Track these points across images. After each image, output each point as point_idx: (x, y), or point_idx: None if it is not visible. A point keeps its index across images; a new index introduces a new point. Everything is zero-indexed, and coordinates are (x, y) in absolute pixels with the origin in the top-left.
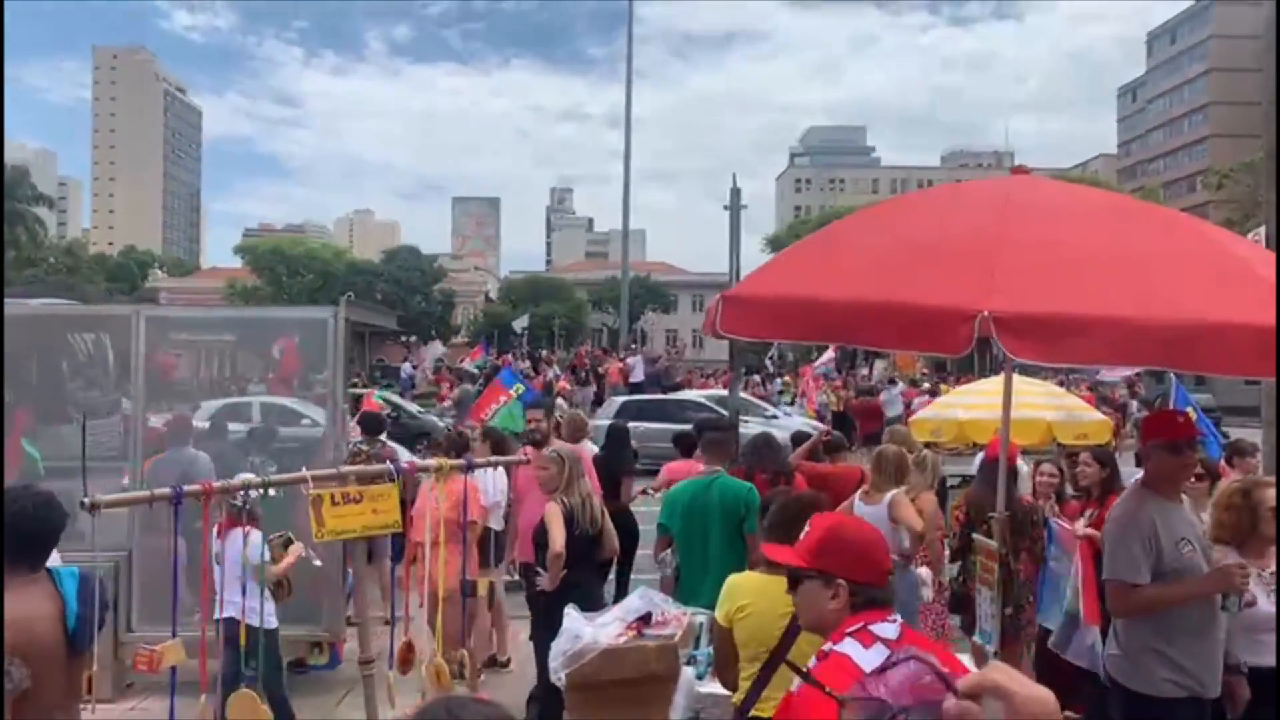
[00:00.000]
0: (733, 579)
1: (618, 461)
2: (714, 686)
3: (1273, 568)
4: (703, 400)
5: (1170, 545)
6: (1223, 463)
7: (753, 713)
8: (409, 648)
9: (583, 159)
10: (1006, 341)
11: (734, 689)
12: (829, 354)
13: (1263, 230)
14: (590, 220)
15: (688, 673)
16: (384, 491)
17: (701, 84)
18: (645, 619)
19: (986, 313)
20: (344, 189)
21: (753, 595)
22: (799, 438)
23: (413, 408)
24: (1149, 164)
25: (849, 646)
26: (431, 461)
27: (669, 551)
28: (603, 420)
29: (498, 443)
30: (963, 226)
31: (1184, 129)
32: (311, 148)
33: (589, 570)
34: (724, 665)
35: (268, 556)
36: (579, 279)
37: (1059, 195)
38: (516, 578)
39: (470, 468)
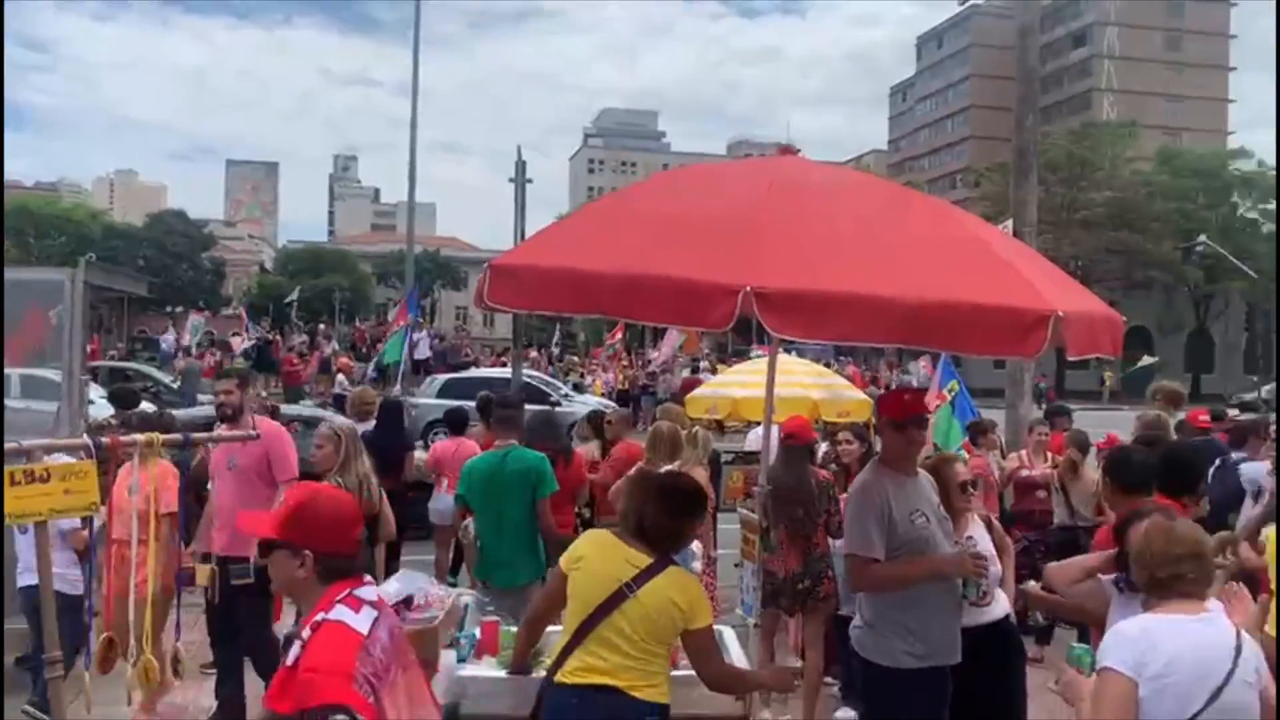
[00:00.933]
0: (591, 531)
1: (394, 439)
2: (478, 669)
3: (967, 533)
4: (529, 379)
5: (903, 518)
6: (966, 440)
7: (558, 678)
8: (110, 644)
9: (370, 127)
10: (768, 318)
11: (521, 652)
12: (617, 333)
13: (1010, 223)
14: (377, 191)
15: (448, 657)
16: (78, 469)
17: (498, 58)
18: (406, 603)
19: (749, 288)
20: (105, 146)
21: (593, 552)
22: (594, 417)
23: (168, 379)
24: (916, 160)
25: (341, 613)
26: (139, 437)
27: (469, 521)
28: (425, 399)
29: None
30: (731, 203)
31: (947, 129)
32: (67, 98)
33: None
34: (533, 615)
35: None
36: (364, 251)
37: (823, 176)
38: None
39: (186, 444)
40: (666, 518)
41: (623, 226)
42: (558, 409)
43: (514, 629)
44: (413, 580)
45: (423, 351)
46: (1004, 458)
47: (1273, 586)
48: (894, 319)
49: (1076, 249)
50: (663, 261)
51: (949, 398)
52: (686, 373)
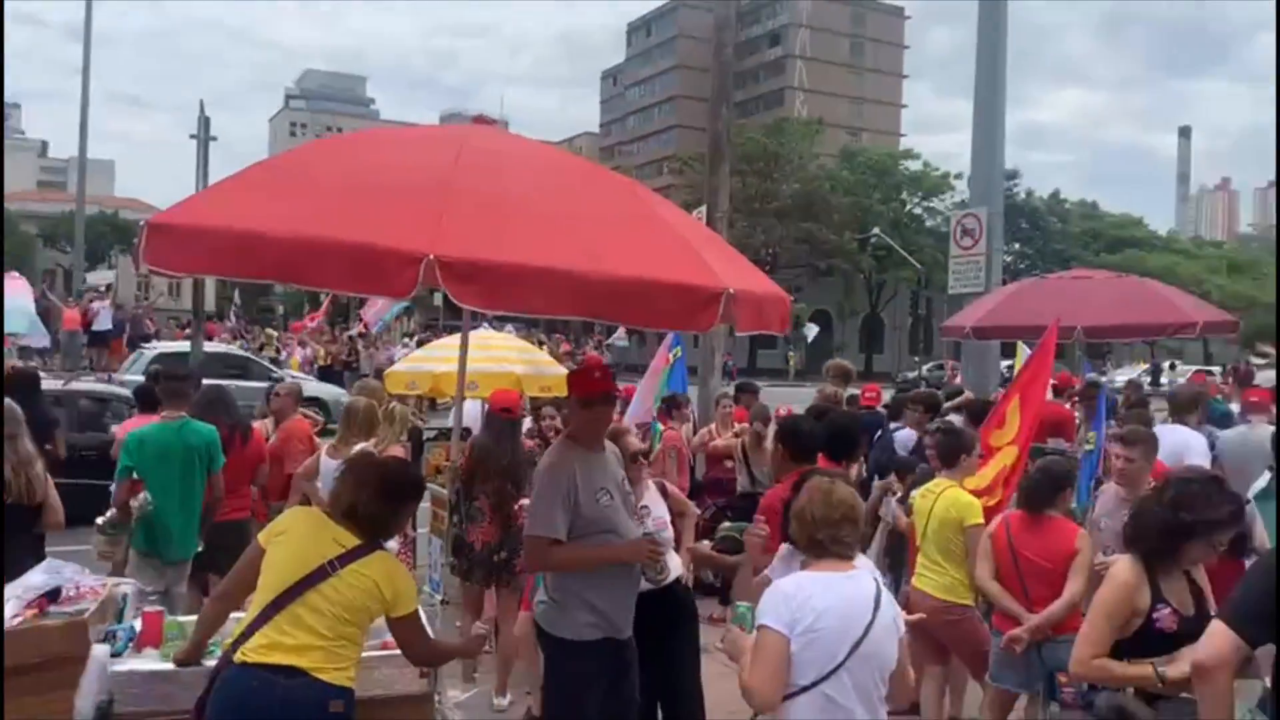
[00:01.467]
0: (298, 507)
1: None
2: (137, 663)
3: (643, 501)
4: (249, 356)
5: (589, 498)
6: (660, 412)
7: (237, 656)
8: None
9: (38, 73)
10: (452, 287)
11: (200, 638)
12: (319, 315)
13: (704, 209)
14: (44, 144)
15: (99, 651)
16: None
17: (186, 6)
18: (53, 595)
19: (432, 256)
20: None
21: (298, 527)
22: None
23: None
24: (626, 145)
25: None
26: None
27: (145, 495)
28: (133, 376)
29: None
30: (417, 169)
31: (655, 117)
32: None
33: (22, 546)
34: (222, 591)
35: None
36: (27, 210)
37: (515, 147)
38: None
39: None
40: (381, 504)
41: (299, 186)
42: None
43: (180, 619)
44: (59, 571)
45: (104, 323)
46: (695, 431)
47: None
48: (577, 292)
49: (768, 237)
50: (340, 225)
51: (671, 360)
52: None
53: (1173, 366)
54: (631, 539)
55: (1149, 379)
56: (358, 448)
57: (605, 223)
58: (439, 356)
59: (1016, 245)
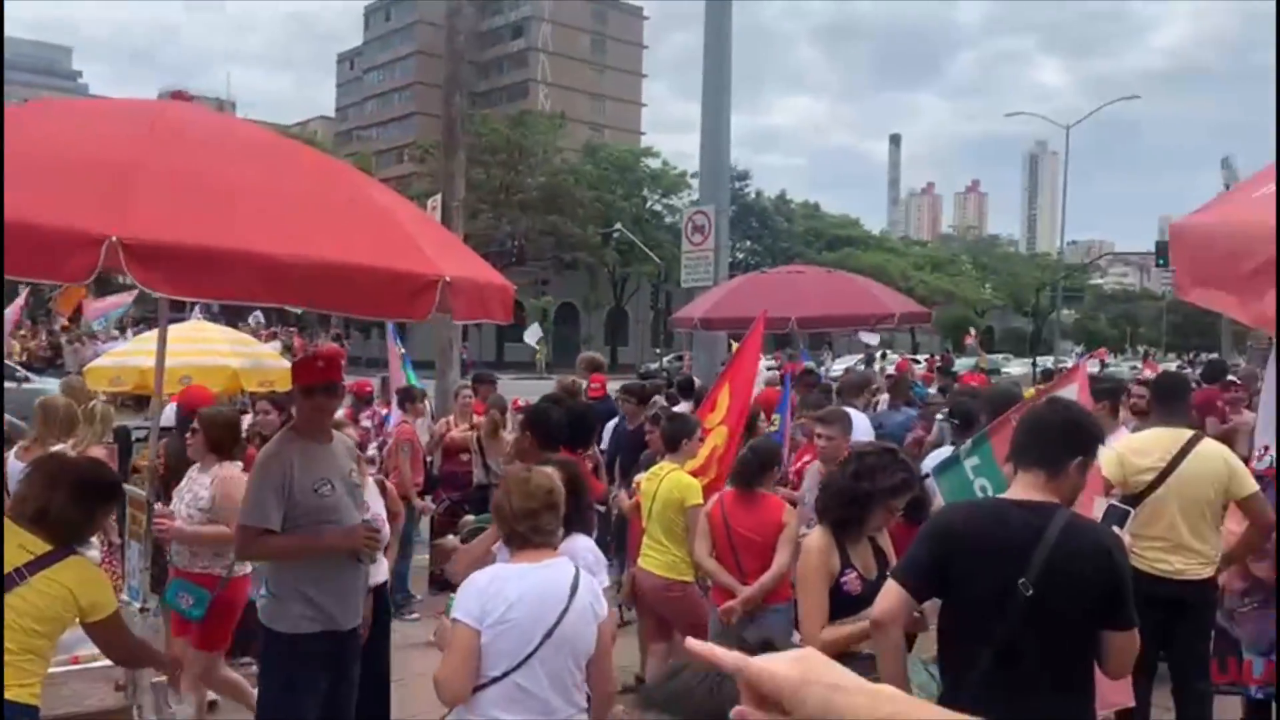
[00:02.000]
0: None
1: None
2: None
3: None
4: None
5: (306, 487)
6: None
7: None
8: None
9: None
10: (137, 271)
11: None
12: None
13: (439, 197)
14: None
15: None
16: None
17: None
18: None
19: (115, 238)
20: None
21: None
22: None
23: None
24: (365, 131)
25: None
26: None
27: None
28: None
29: None
30: (104, 143)
31: (394, 103)
32: None
33: None
34: None
35: None
36: None
37: (214, 125)
38: None
39: None
40: (75, 508)
41: None
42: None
43: None
44: None
45: None
46: (434, 423)
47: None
48: (274, 277)
49: (514, 228)
50: (9, 203)
51: (400, 354)
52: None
53: (884, 355)
54: (345, 526)
55: (863, 366)
56: (55, 449)
57: (311, 206)
58: (147, 349)
59: (748, 242)
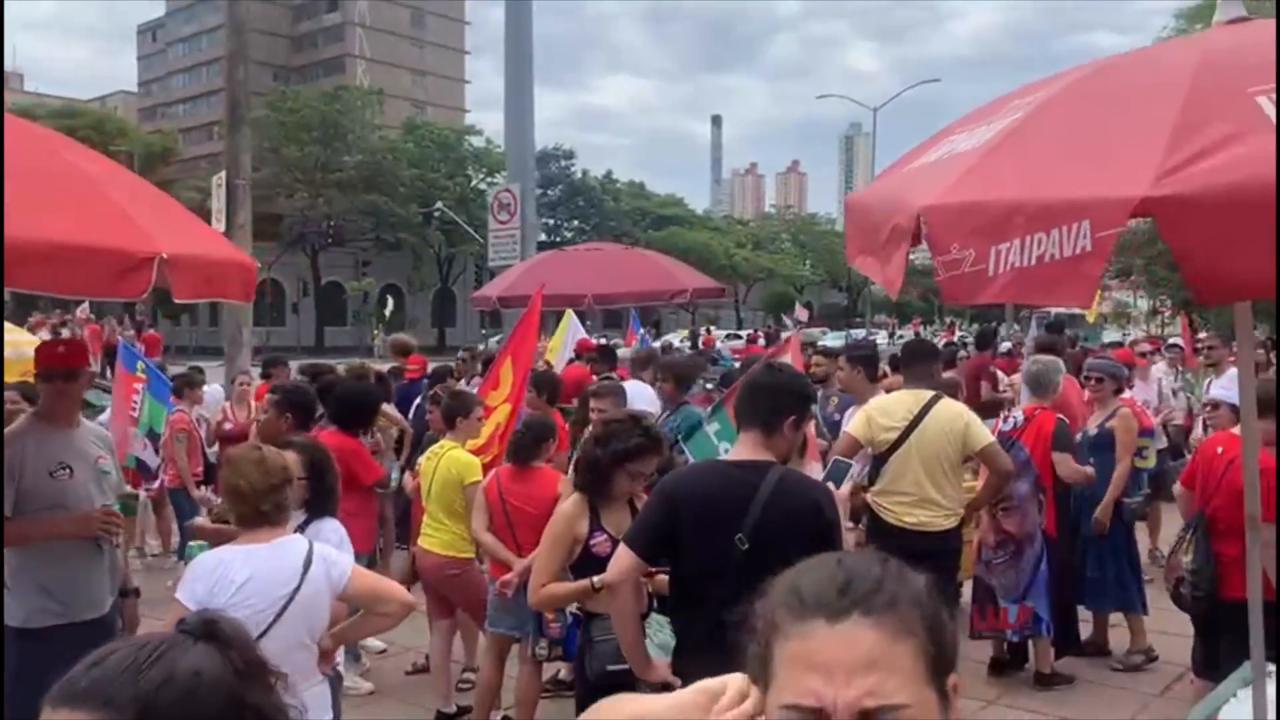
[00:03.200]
0: None
1: None
2: None
3: None
4: None
5: (40, 471)
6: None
7: None
8: None
9: None
10: None
11: None
12: None
13: (224, 175)
14: None
15: None
16: None
17: None
18: None
19: None
20: None
21: None
22: None
23: None
24: (170, 107)
25: None
26: None
27: None
28: None
29: None
30: None
31: (203, 77)
32: None
33: None
34: None
35: None
36: None
37: None
38: None
39: None
40: None
41: None
42: None
43: None
44: None
45: None
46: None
47: None
48: None
49: (331, 208)
50: None
51: (140, 388)
52: None
53: (709, 330)
54: (79, 512)
55: (689, 344)
56: None
57: (16, 177)
58: None
59: (575, 222)
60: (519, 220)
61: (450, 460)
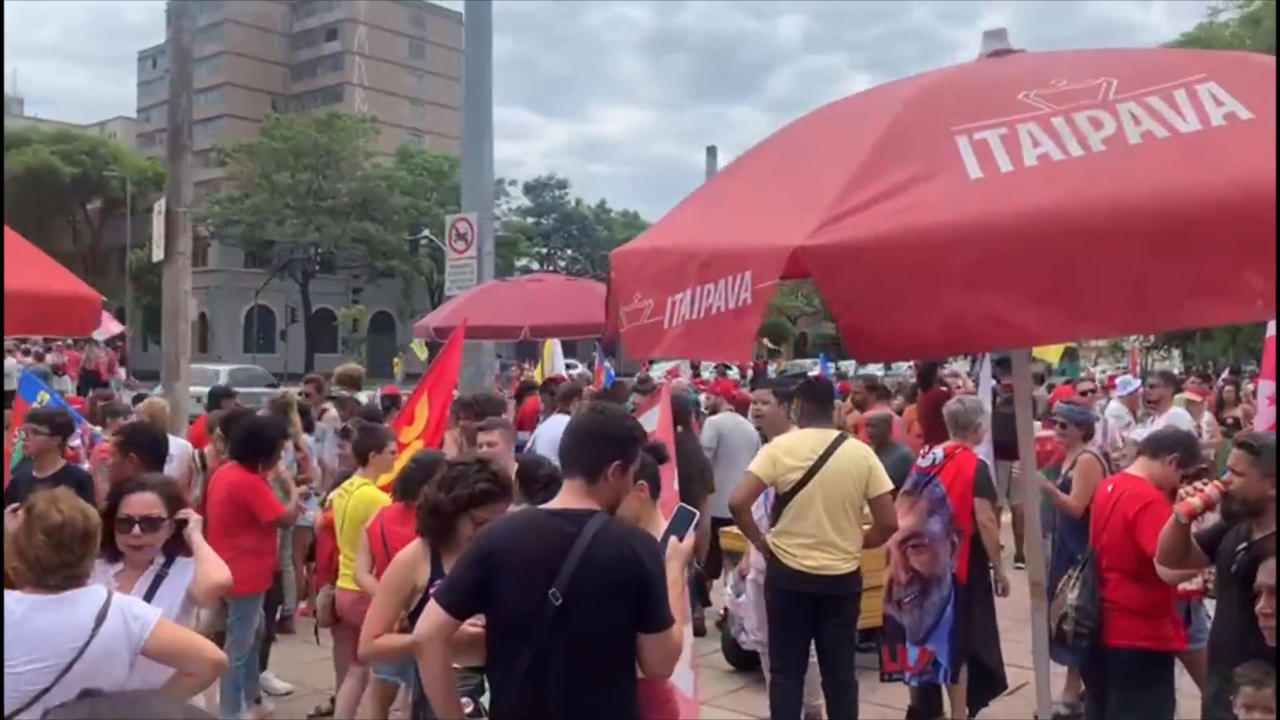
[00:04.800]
0: None
1: None
2: None
3: None
4: None
5: None
6: None
7: None
8: None
9: None
10: None
11: None
12: None
13: (164, 202)
14: None
15: None
16: None
17: None
18: None
19: None
20: None
21: None
22: None
23: None
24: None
25: None
26: None
27: None
28: None
29: None
30: None
31: (200, 104)
32: None
33: None
34: None
35: None
36: None
37: None
38: None
39: None
40: None
41: None
42: None
43: None
44: None
45: None
46: None
47: None
48: None
49: (322, 235)
50: None
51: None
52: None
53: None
54: None
55: (692, 375)
56: None
57: None
58: None
59: (569, 251)
60: (474, 249)
61: (359, 498)
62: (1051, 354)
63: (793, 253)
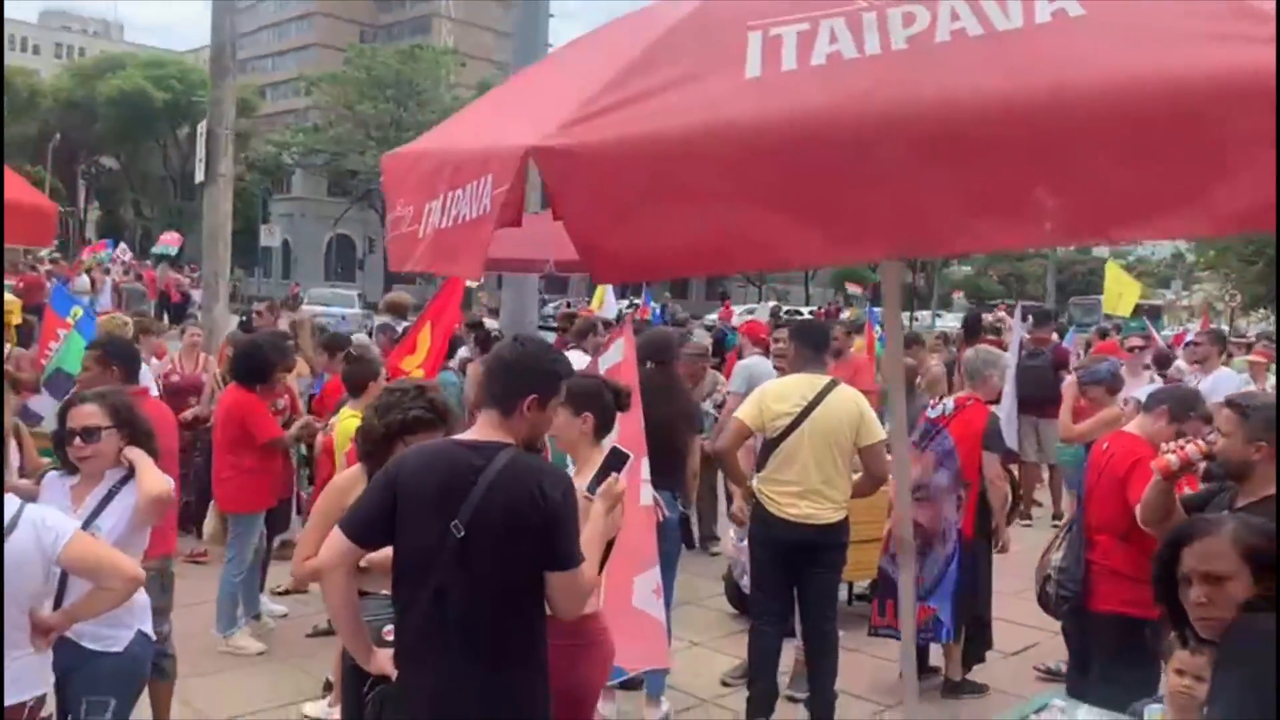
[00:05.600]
0: None
1: None
2: None
3: None
4: None
5: None
6: None
7: None
8: None
9: None
10: None
11: None
12: None
13: (205, 123)
14: None
15: None
16: None
17: None
18: None
19: None
20: None
21: None
22: None
23: None
24: (258, 60)
25: None
26: None
27: None
28: None
29: None
30: None
31: (290, 33)
32: None
33: None
34: None
35: None
36: None
37: None
38: None
39: None
40: None
41: None
42: None
43: None
44: None
45: None
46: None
47: None
48: None
49: None
50: None
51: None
52: None
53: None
54: None
55: (771, 319)
56: None
57: None
58: None
59: None
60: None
61: (341, 430)
62: (1123, 308)
63: (525, 153)
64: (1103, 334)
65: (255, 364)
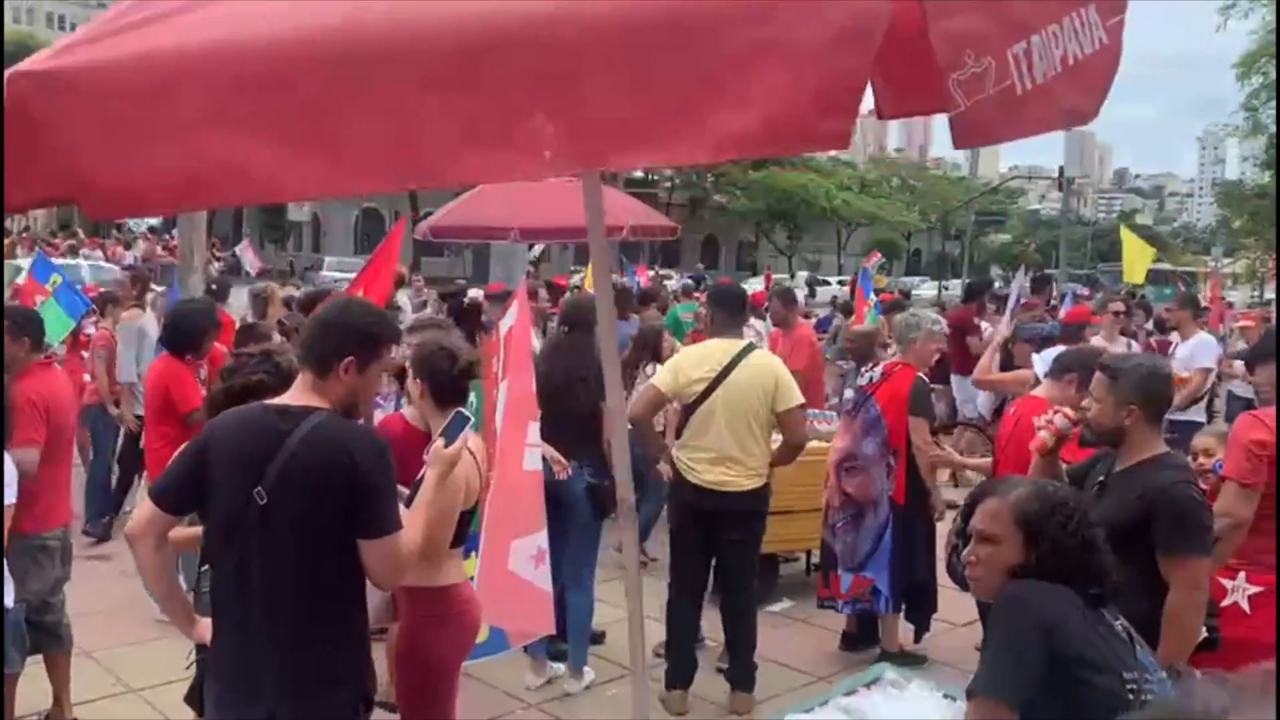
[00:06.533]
0: None
1: None
2: None
3: None
4: None
5: None
6: None
7: None
8: None
9: None
10: None
11: None
12: None
13: None
14: None
15: None
16: None
17: None
18: None
19: None
20: None
21: None
22: None
23: None
24: None
25: None
26: None
27: None
28: None
29: None
30: None
31: None
32: None
33: None
34: None
35: None
36: None
37: None
38: None
39: None
40: None
41: None
42: None
43: None
44: None
45: None
46: None
47: None
48: None
49: None
50: None
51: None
52: None
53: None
54: None
55: (806, 291)
56: None
57: None
58: None
59: None
60: None
61: None
62: (1136, 276)
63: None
64: (1130, 298)
65: (182, 333)
